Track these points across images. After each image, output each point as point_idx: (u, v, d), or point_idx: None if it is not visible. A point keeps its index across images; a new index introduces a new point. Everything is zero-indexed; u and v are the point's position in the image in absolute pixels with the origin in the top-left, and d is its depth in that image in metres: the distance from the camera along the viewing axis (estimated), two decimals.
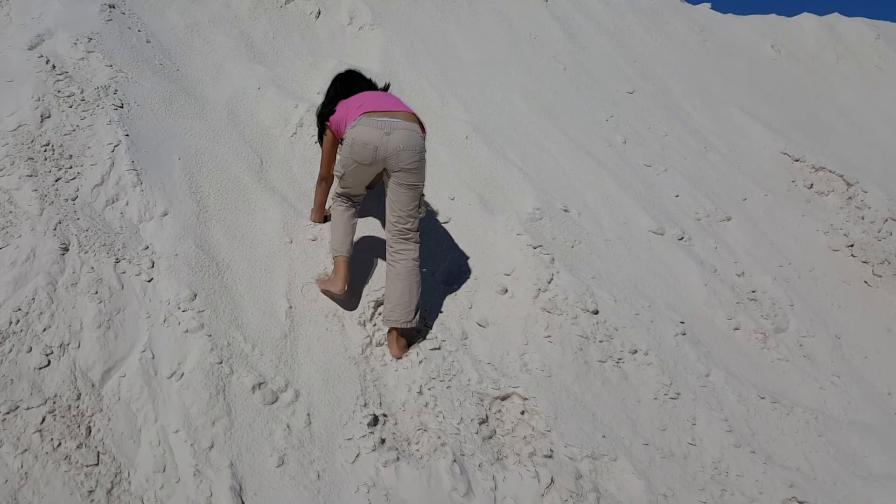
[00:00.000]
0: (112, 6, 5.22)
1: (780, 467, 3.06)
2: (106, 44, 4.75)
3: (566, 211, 4.47)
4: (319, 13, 6.15)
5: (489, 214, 4.25)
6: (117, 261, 3.37)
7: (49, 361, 2.92)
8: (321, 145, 3.85)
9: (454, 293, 3.73)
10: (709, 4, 8.20)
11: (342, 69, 4.10)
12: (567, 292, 3.78)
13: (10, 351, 2.91)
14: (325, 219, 3.97)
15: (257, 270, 3.59)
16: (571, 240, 4.23)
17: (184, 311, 3.21)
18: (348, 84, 3.81)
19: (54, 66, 4.38)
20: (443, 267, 3.88)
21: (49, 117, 4.02)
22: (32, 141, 3.84)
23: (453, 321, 3.55)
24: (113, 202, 3.68)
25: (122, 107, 4.25)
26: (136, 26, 5.16)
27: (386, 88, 3.85)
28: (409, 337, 3.43)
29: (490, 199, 4.40)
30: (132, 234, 3.55)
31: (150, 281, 3.34)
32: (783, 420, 3.33)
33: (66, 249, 3.33)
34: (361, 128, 3.30)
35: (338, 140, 3.67)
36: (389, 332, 3.38)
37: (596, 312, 3.75)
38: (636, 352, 3.62)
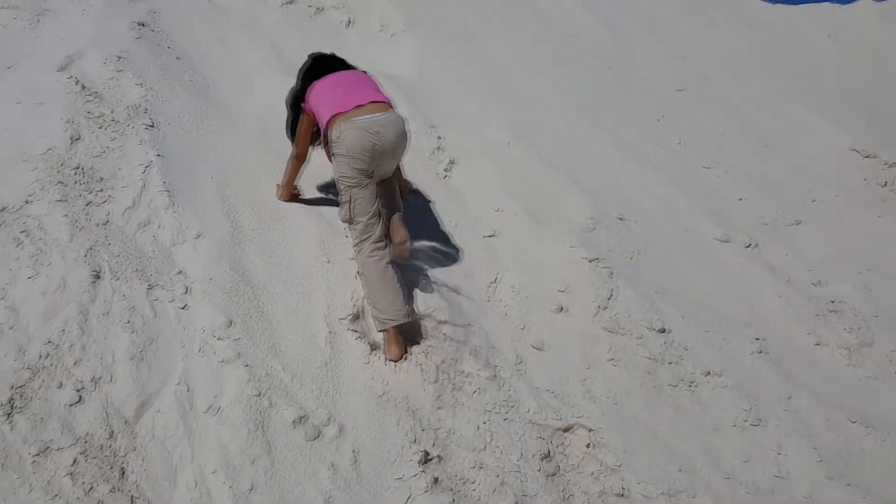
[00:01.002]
0: (142, 24, 5.12)
1: (881, 502, 2.76)
2: (136, 62, 4.64)
3: (622, 219, 4.22)
4: (350, 22, 6.01)
5: (538, 226, 4.02)
6: (150, 287, 3.22)
7: (80, 397, 2.78)
8: (289, 133, 3.77)
9: (505, 313, 3.50)
10: None
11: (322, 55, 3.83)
12: (630, 309, 3.53)
13: (41, 387, 2.78)
14: (293, 197, 3.91)
15: (294, 293, 3.41)
16: (630, 251, 3.98)
17: (219, 340, 3.04)
18: (319, 69, 3.62)
19: (84, 87, 4.27)
20: (491, 285, 3.65)
21: (79, 139, 3.90)
22: (63, 164, 3.72)
23: (506, 344, 3.33)
24: (145, 225, 3.54)
25: (153, 126, 4.13)
26: (166, 43, 5.06)
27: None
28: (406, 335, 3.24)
29: (538, 210, 4.17)
30: (165, 259, 3.40)
31: (184, 308, 3.18)
32: (879, 447, 3.02)
33: (98, 277, 3.20)
34: (349, 134, 3.20)
35: (314, 121, 3.52)
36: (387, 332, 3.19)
37: (663, 331, 3.49)
38: (710, 373, 3.34)
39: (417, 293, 3.43)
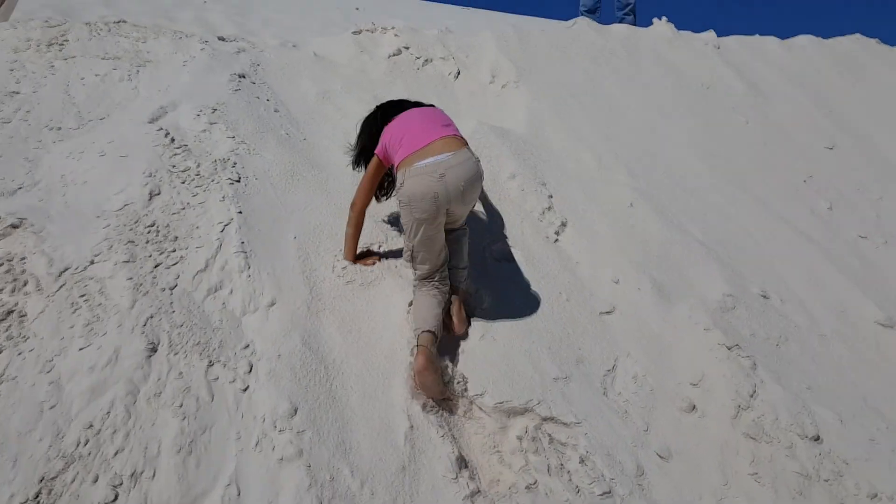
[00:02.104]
0: (242, 76, 4.91)
1: None
2: (231, 114, 4.39)
3: (765, 297, 3.51)
4: (459, 73, 5.60)
5: (665, 302, 3.38)
6: (210, 364, 2.81)
7: (116, 495, 2.38)
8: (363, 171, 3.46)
9: (625, 411, 2.87)
10: None
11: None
12: (777, 411, 2.83)
13: (73, 480, 2.40)
14: (358, 257, 3.49)
15: (374, 375, 2.91)
16: (776, 336, 3.27)
17: (280, 432, 2.57)
18: (389, 113, 3.37)
19: (173, 140, 4.03)
20: (608, 374, 3.02)
21: (159, 194, 3.62)
22: (137, 221, 3.43)
23: (624, 451, 2.68)
24: (216, 291, 3.16)
25: (238, 181, 3.80)
26: (266, 95, 4.81)
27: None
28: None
29: (665, 283, 3.53)
30: (232, 330, 3.00)
31: (245, 390, 2.75)
32: None
33: (154, 350, 2.82)
34: (412, 181, 2.95)
35: (385, 167, 3.27)
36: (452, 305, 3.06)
37: (817, 439, 2.78)
38: (877, 496, 2.61)
39: (514, 381, 2.85)
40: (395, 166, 3.08)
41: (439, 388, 2.81)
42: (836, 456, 2.74)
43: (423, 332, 2.90)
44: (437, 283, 3.12)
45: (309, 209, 3.75)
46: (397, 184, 3.02)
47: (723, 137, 4.97)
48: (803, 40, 6.58)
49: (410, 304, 3.22)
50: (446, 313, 3.09)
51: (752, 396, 2.87)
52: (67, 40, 5.50)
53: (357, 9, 12.96)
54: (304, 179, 3.98)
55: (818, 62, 6.24)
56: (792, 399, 2.88)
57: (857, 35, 6.94)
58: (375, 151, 3.25)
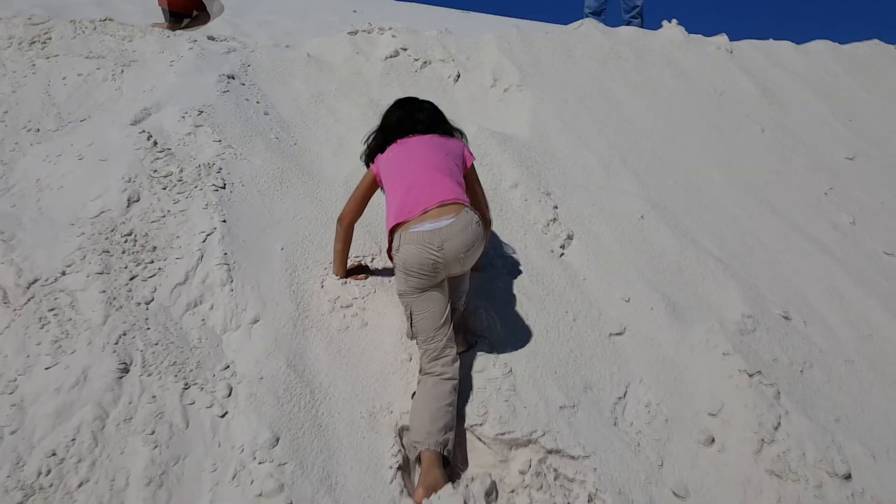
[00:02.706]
0: (231, 77, 4.74)
1: None
2: (218, 117, 4.22)
3: (787, 318, 3.33)
4: (459, 76, 5.43)
5: (680, 324, 3.20)
6: (186, 386, 2.65)
7: None
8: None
9: (637, 443, 2.68)
10: None
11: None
12: (803, 445, 2.65)
13: None
14: (349, 272, 3.27)
15: (364, 400, 2.74)
16: (800, 361, 3.08)
17: (260, 464, 2.40)
18: (397, 127, 3.13)
19: (156, 143, 3.87)
20: (619, 402, 2.83)
21: (138, 201, 3.46)
22: (113, 230, 3.26)
23: (637, 488, 2.50)
24: (195, 306, 3.00)
25: (223, 187, 3.63)
26: (256, 97, 4.64)
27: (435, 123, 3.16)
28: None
29: (680, 302, 3.35)
30: (211, 349, 2.83)
31: (223, 416, 2.58)
32: None
33: (126, 370, 2.66)
34: (407, 249, 2.72)
35: (377, 185, 3.05)
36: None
37: (848, 477, 2.61)
38: None
39: (517, 410, 2.66)
40: (390, 227, 2.83)
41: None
42: (869, 496, 2.56)
43: (425, 451, 2.50)
44: (438, 358, 2.70)
45: (298, 218, 3.57)
46: (394, 247, 2.78)
47: (737, 146, 4.80)
48: (819, 45, 6.42)
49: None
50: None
51: (776, 428, 2.69)
52: (51, 38, 5.34)
53: (355, 11, 12.81)
54: (293, 186, 3.80)
55: (835, 68, 6.07)
56: (820, 432, 2.70)
57: (875, 41, 6.79)
58: (373, 168, 3.05)
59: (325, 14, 12.81)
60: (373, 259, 3.39)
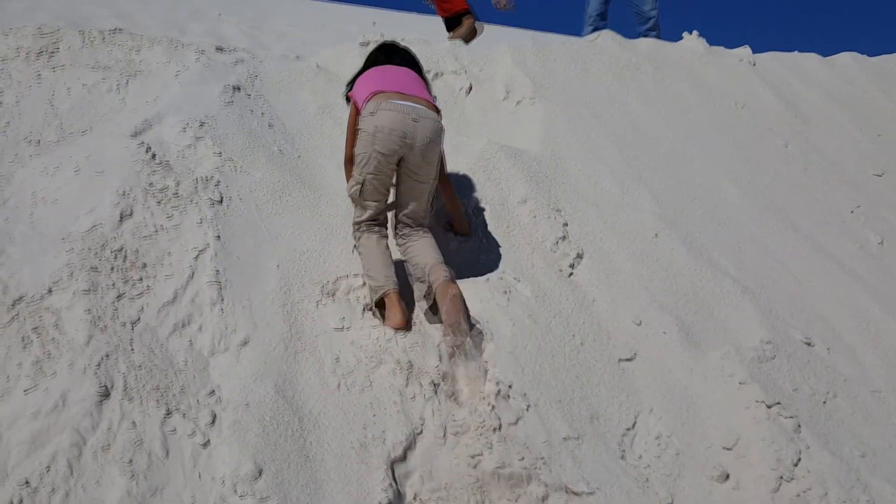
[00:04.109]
0: (237, 87, 4.65)
1: None
2: (220, 129, 4.13)
3: (809, 345, 3.16)
4: (471, 88, 5.31)
5: (694, 349, 3.04)
6: (168, 412, 2.53)
7: None
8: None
9: (646, 478, 2.53)
10: None
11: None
12: (825, 482, 2.49)
13: None
14: None
15: (355, 429, 2.62)
16: (823, 391, 2.91)
17: (241, 498, 2.29)
18: (374, 58, 3.57)
19: (154, 156, 3.78)
20: (627, 433, 2.67)
21: (130, 216, 3.36)
22: (103, 246, 3.16)
23: None
24: (183, 327, 2.89)
25: (220, 202, 3.53)
26: (261, 109, 4.54)
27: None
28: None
29: (694, 326, 3.19)
30: (197, 373, 2.72)
31: (205, 445, 2.46)
32: None
33: (107, 395, 2.55)
34: (385, 114, 3.05)
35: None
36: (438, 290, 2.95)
37: None
38: None
39: (517, 441, 2.51)
40: (365, 98, 3.14)
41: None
42: None
43: (392, 290, 3.00)
44: (381, 226, 3.23)
45: (296, 234, 3.45)
46: (367, 112, 3.08)
47: (759, 161, 4.62)
48: (846, 58, 6.21)
49: (354, 249, 3.29)
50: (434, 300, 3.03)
51: (795, 465, 2.52)
52: (59, 49, 5.29)
53: (374, 23, 12.79)
54: (293, 200, 3.69)
55: (863, 82, 5.87)
56: (843, 469, 2.53)
57: None
58: (351, 95, 3.35)
59: (345, 24, 12.80)
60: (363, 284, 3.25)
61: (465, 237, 3.67)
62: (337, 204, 3.74)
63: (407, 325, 2.99)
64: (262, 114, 4.51)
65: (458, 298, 2.93)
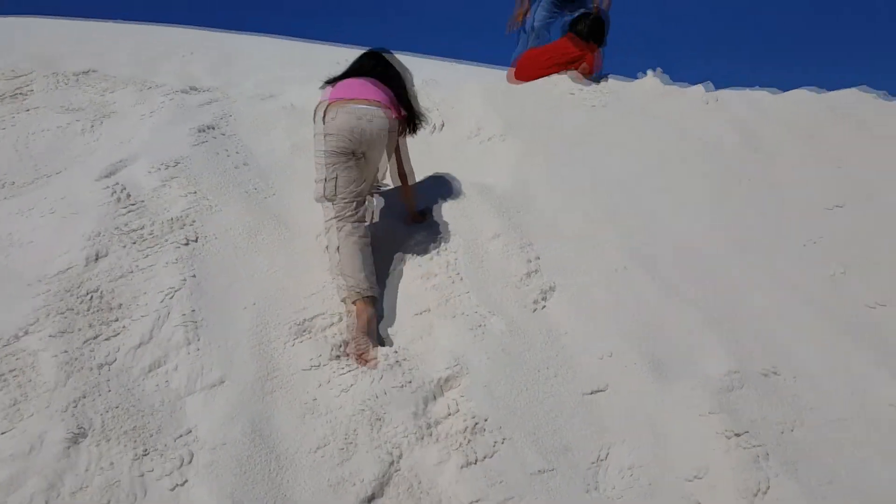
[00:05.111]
0: (210, 127, 4.72)
1: None
2: (193, 168, 4.18)
3: (775, 374, 3.25)
4: (443, 125, 5.42)
5: (663, 380, 3.11)
6: (144, 453, 2.55)
7: None
8: None
9: None
10: None
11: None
12: None
13: None
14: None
15: (331, 466, 2.64)
16: (789, 420, 2.98)
17: None
18: (357, 64, 4.04)
19: (129, 195, 3.83)
20: (596, 465, 2.73)
21: (105, 256, 3.40)
22: (79, 286, 3.20)
23: None
24: (157, 367, 2.91)
25: (195, 241, 3.58)
26: (235, 148, 4.60)
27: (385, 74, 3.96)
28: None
29: (663, 357, 3.26)
30: (172, 413, 2.73)
31: (182, 485, 2.45)
32: None
33: (83, 436, 2.57)
34: (342, 116, 3.52)
35: None
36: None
37: None
38: None
39: (489, 475, 2.55)
40: (326, 107, 3.59)
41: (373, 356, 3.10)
42: None
43: (366, 296, 3.30)
44: (359, 222, 3.51)
45: (271, 272, 3.50)
46: (327, 119, 3.53)
47: (722, 194, 4.74)
48: (804, 93, 6.39)
49: (326, 249, 3.52)
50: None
51: (764, 493, 2.58)
52: (32, 90, 5.34)
53: (338, 63, 12.88)
54: (268, 239, 3.74)
55: (820, 116, 6.04)
56: (811, 496, 2.59)
57: (862, 87, 6.78)
58: (320, 100, 3.73)
59: (318, 62, 12.87)
60: (340, 319, 3.30)
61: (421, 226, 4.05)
62: (311, 241, 3.80)
63: (365, 356, 3.10)
64: (236, 152, 4.56)
65: (373, 320, 3.29)
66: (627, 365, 3.20)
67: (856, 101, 6.41)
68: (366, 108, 3.56)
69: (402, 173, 4.01)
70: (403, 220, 4.14)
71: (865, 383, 3.31)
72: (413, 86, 4.11)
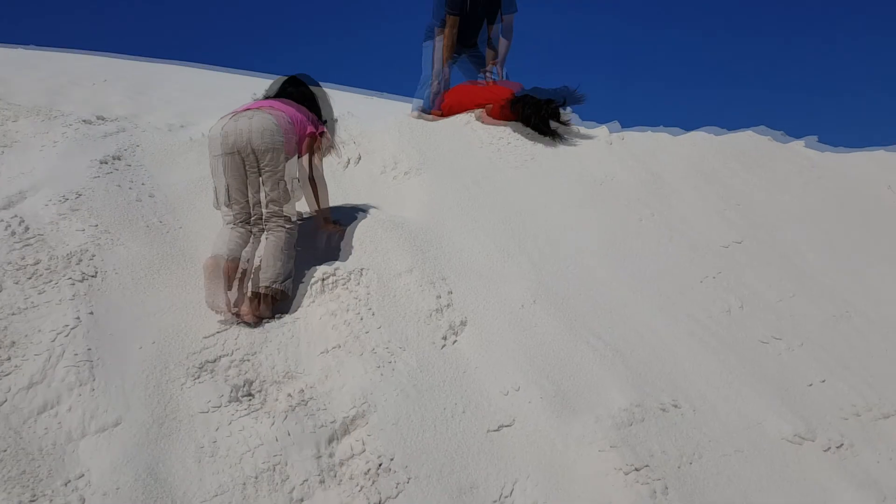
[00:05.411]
0: (116, 157, 4.58)
1: None
2: (96, 200, 4.06)
3: (675, 407, 3.34)
4: (360, 159, 5.43)
5: (566, 414, 3.16)
6: (32, 499, 2.44)
7: None
8: None
9: None
10: (815, 138, 7.16)
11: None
12: None
13: None
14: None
15: None
16: (689, 452, 3.07)
17: None
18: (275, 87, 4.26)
19: (27, 228, 3.67)
20: (504, 500, 2.74)
21: (1, 291, 3.21)
22: None
23: None
24: (49, 408, 2.80)
25: (94, 276, 3.47)
26: (140, 180, 4.49)
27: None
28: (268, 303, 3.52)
29: (568, 391, 3.33)
30: (64, 456, 2.63)
31: None
32: None
33: None
34: (222, 122, 3.71)
35: None
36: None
37: None
38: None
39: None
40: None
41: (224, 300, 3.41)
42: None
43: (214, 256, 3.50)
44: (249, 228, 3.72)
45: (174, 308, 3.41)
46: (213, 131, 3.72)
47: (626, 231, 4.90)
48: (704, 133, 6.71)
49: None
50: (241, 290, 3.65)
51: None
52: None
53: (254, 94, 12.77)
54: (172, 274, 3.66)
55: (720, 155, 6.33)
56: None
57: (762, 127, 7.13)
58: None
59: (235, 91, 12.70)
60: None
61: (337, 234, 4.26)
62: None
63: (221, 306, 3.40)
64: (141, 184, 4.45)
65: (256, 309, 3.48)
66: (533, 400, 3.24)
67: (753, 141, 6.75)
68: (250, 111, 3.72)
69: (313, 185, 4.21)
70: (317, 228, 4.33)
71: (761, 416, 3.44)
72: (331, 108, 4.38)
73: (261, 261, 3.63)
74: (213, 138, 3.68)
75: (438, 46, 6.95)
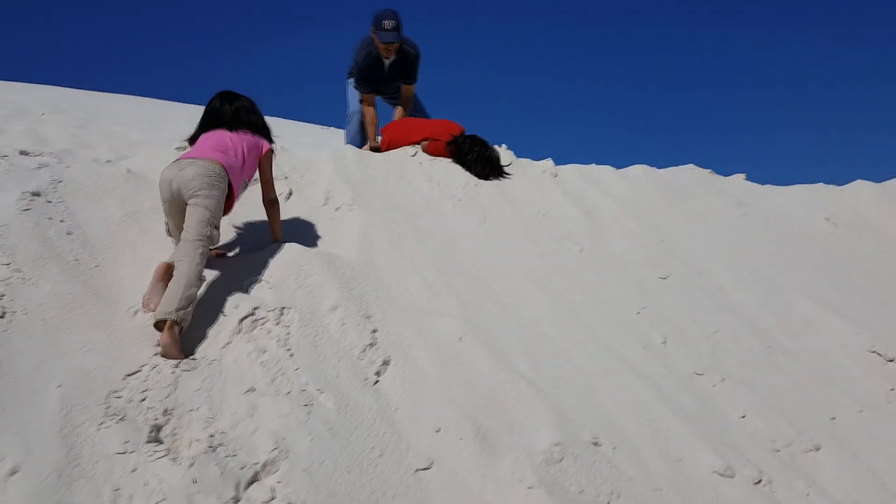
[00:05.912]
0: (36, 193, 4.41)
1: None
2: (12, 238, 3.90)
3: (597, 445, 3.33)
4: (291, 194, 5.37)
5: (489, 454, 3.12)
6: None
7: None
8: None
9: None
10: (743, 175, 7.37)
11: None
12: None
13: None
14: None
15: None
16: (607, 492, 3.05)
17: None
18: (211, 105, 4.41)
19: None
20: None
21: None
22: None
23: None
24: None
25: (1, 317, 3.30)
26: (60, 216, 4.32)
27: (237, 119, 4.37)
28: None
29: (490, 431, 3.29)
30: None
31: None
32: None
33: None
34: (163, 172, 3.98)
35: None
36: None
37: None
38: None
39: None
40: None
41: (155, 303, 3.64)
42: None
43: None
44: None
45: (84, 351, 3.28)
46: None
47: (557, 266, 4.93)
48: (637, 170, 6.85)
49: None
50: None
51: None
52: None
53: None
54: (85, 314, 3.52)
55: (652, 191, 6.46)
56: None
57: (691, 165, 7.31)
58: None
59: (178, 126, 12.56)
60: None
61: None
62: (132, 317, 3.61)
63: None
64: (62, 221, 4.29)
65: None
66: (455, 440, 3.19)
67: (684, 178, 6.90)
68: (189, 160, 3.95)
69: (268, 200, 4.56)
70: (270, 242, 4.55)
71: (681, 452, 3.45)
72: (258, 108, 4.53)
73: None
74: (160, 184, 3.99)
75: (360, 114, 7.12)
